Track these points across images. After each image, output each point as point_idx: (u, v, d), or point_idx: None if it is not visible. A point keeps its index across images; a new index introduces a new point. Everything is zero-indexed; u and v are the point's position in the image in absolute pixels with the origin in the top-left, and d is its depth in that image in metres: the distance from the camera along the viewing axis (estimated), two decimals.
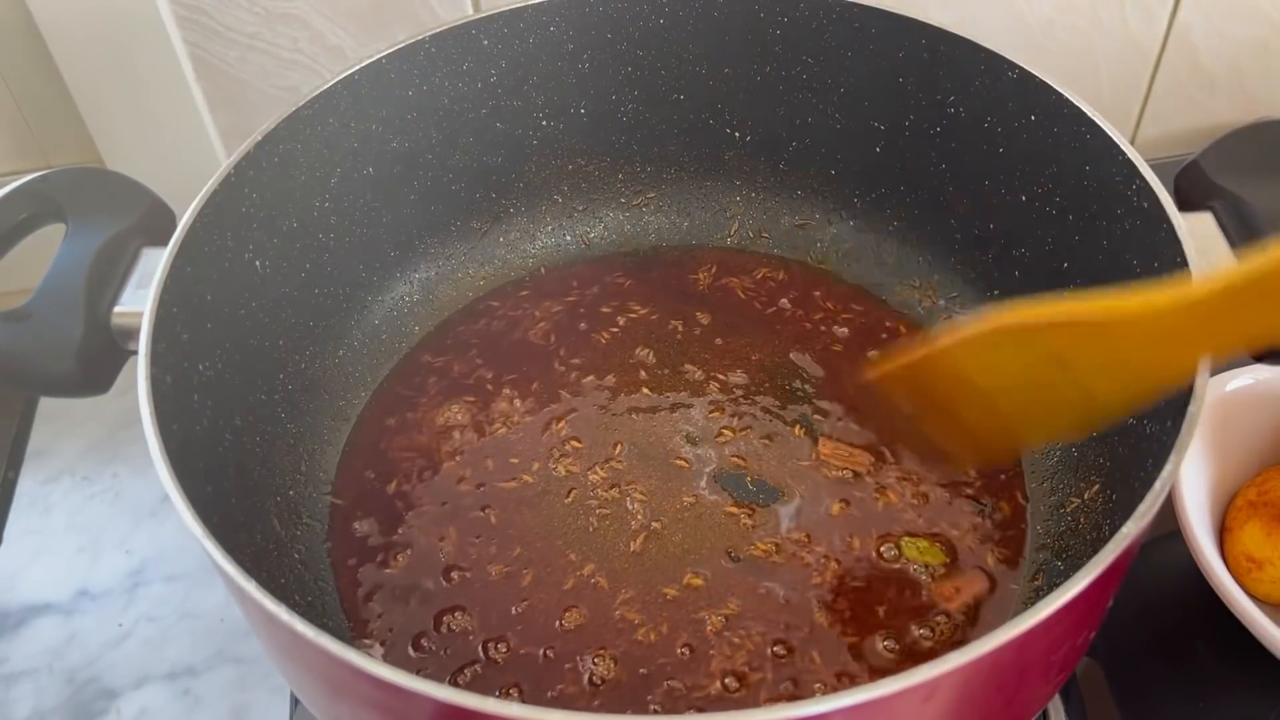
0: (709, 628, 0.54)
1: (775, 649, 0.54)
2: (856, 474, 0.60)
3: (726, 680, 0.53)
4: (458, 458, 0.62)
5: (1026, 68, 0.58)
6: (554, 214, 0.72)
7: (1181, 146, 0.88)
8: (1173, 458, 0.42)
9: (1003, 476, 0.60)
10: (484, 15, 0.63)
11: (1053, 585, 0.54)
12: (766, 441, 0.62)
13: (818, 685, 0.52)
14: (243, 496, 0.55)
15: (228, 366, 0.55)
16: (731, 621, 0.54)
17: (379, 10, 0.73)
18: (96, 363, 0.52)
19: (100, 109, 0.74)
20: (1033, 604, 0.38)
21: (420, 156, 0.66)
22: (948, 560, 0.57)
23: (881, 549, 0.57)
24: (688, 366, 0.66)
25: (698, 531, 0.58)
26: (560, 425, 0.63)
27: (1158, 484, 0.41)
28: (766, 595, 0.55)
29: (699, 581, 0.56)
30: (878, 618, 0.55)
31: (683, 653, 0.54)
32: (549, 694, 0.53)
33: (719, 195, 0.73)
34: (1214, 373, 0.45)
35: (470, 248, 0.71)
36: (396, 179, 0.65)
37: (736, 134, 0.70)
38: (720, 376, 0.65)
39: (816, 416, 0.63)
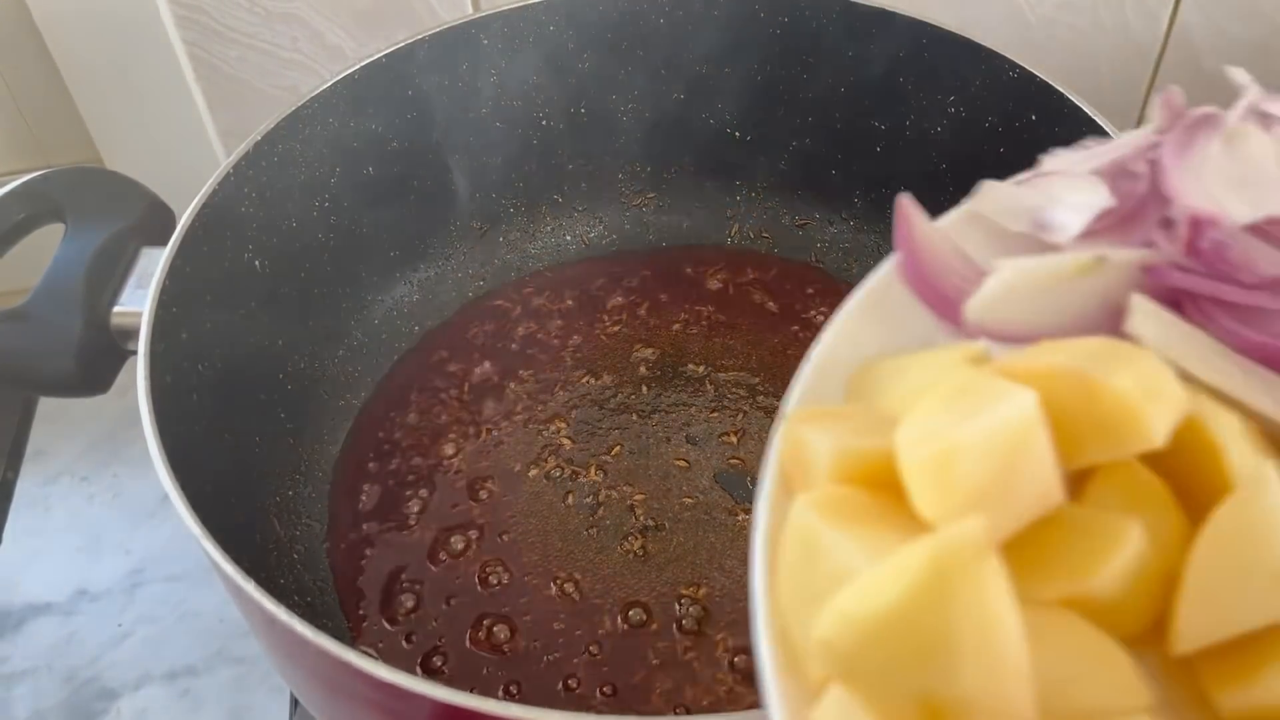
0: (709, 629, 0.54)
1: None
2: None
3: (726, 679, 0.53)
4: (456, 458, 0.62)
5: (1027, 67, 0.58)
6: (554, 214, 0.72)
7: None
8: None
9: None
10: (484, 15, 0.63)
11: None
12: (767, 441, 0.61)
13: None
14: (242, 497, 0.55)
15: (227, 366, 0.55)
16: (732, 622, 0.54)
17: (378, 10, 0.73)
18: (95, 363, 0.52)
19: (99, 108, 0.74)
20: None
21: (420, 156, 0.65)
22: None
23: None
24: (688, 366, 0.66)
25: (697, 532, 0.58)
26: (559, 425, 0.63)
27: None
28: None
29: (700, 582, 0.56)
30: None
31: (682, 653, 0.54)
32: (547, 693, 0.53)
33: (719, 195, 0.73)
34: None
35: (470, 247, 0.71)
36: (396, 178, 0.65)
37: (737, 134, 0.70)
38: (720, 376, 0.65)
39: None
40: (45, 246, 0.55)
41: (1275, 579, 0.28)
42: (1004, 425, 0.28)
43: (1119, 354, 0.31)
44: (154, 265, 0.51)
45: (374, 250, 0.66)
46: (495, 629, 0.55)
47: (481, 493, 0.60)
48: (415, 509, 0.60)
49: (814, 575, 0.29)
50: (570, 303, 0.69)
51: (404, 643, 0.55)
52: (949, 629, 0.25)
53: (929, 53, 0.61)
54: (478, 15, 0.63)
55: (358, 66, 0.60)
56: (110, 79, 0.72)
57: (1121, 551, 0.29)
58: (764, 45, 0.66)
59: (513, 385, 0.65)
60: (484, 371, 0.66)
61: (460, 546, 0.58)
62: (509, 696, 0.53)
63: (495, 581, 0.57)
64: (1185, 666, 0.30)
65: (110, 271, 0.53)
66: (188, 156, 0.77)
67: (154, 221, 0.56)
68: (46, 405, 0.75)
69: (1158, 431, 0.29)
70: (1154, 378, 0.30)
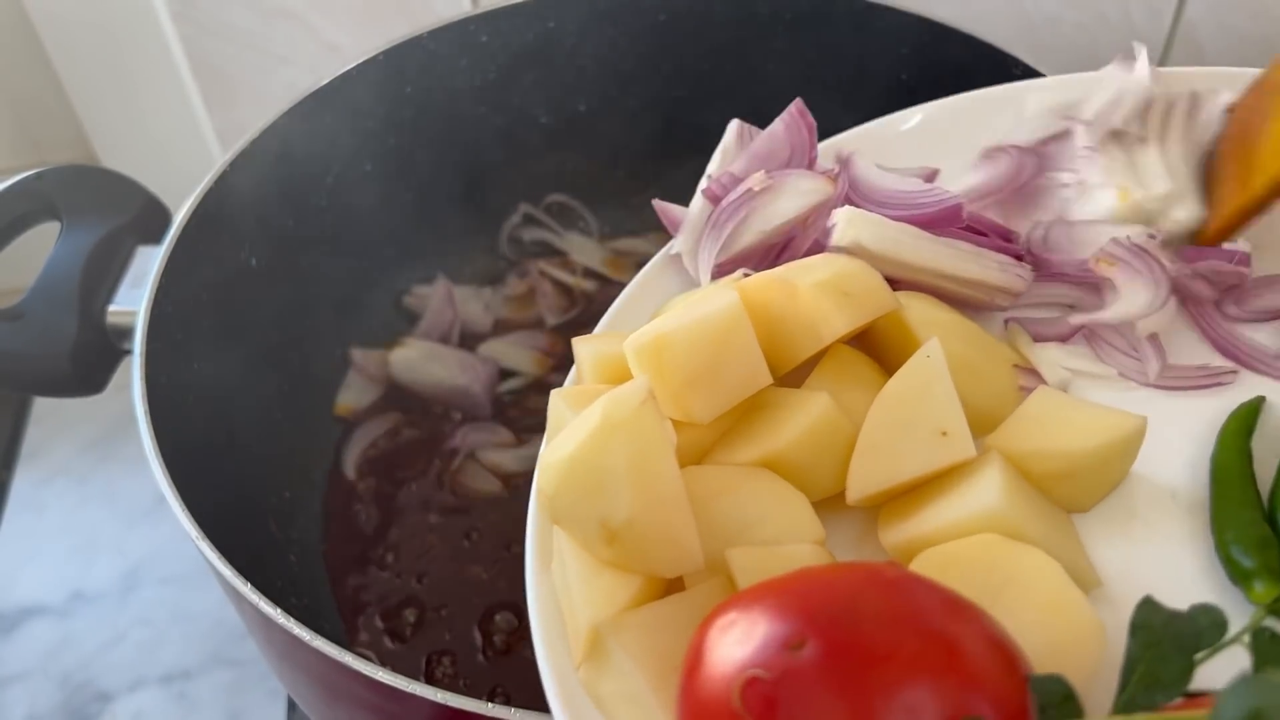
0: None
1: None
2: None
3: None
4: (454, 459, 0.61)
5: (1030, 64, 0.57)
6: (554, 211, 0.72)
7: None
8: None
9: None
10: (482, 11, 0.63)
11: None
12: None
13: None
14: (239, 498, 0.55)
15: (223, 366, 0.55)
16: None
17: (376, 7, 0.72)
18: (90, 362, 0.52)
19: (95, 106, 0.74)
20: None
21: (418, 153, 0.65)
22: None
23: None
24: None
25: None
26: None
27: None
28: None
29: None
30: None
31: None
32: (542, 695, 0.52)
33: None
34: None
35: (469, 245, 0.70)
36: (394, 176, 0.65)
37: None
38: None
39: None
40: (40, 245, 0.55)
41: (931, 435, 0.33)
42: (709, 318, 0.34)
43: (826, 263, 0.37)
44: (149, 264, 0.51)
45: (371, 249, 0.66)
46: (493, 632, 0.55)
47: (480, 494, 0.60)
48: (413, 511, 0.59)
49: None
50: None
51: (401, 645, 0.55)
52: (615, 465, 0.31)
53: (933, 49, 0.61)
54: (476, 12, 0.62)
55: (355, 64, 0.60)
56: (106, 76, 0.72)
57: (802, 418, 0.34)
58: (767, 41, 0.65)
59: (511, 385, 0.65)
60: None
61: (458, 549, 0.58)
62: (506, 700, 0.52)
63: (493, 585, 0.56)
64: (872, 519, 0.35)
65: (105, 270, 0.53)
66: (183, 154, 0.76)
67: (149, 220, 0.56)
68: (40, 405, 0.75)
69: (839, 322, 0.35)
70: (847, 279, 0.36)
